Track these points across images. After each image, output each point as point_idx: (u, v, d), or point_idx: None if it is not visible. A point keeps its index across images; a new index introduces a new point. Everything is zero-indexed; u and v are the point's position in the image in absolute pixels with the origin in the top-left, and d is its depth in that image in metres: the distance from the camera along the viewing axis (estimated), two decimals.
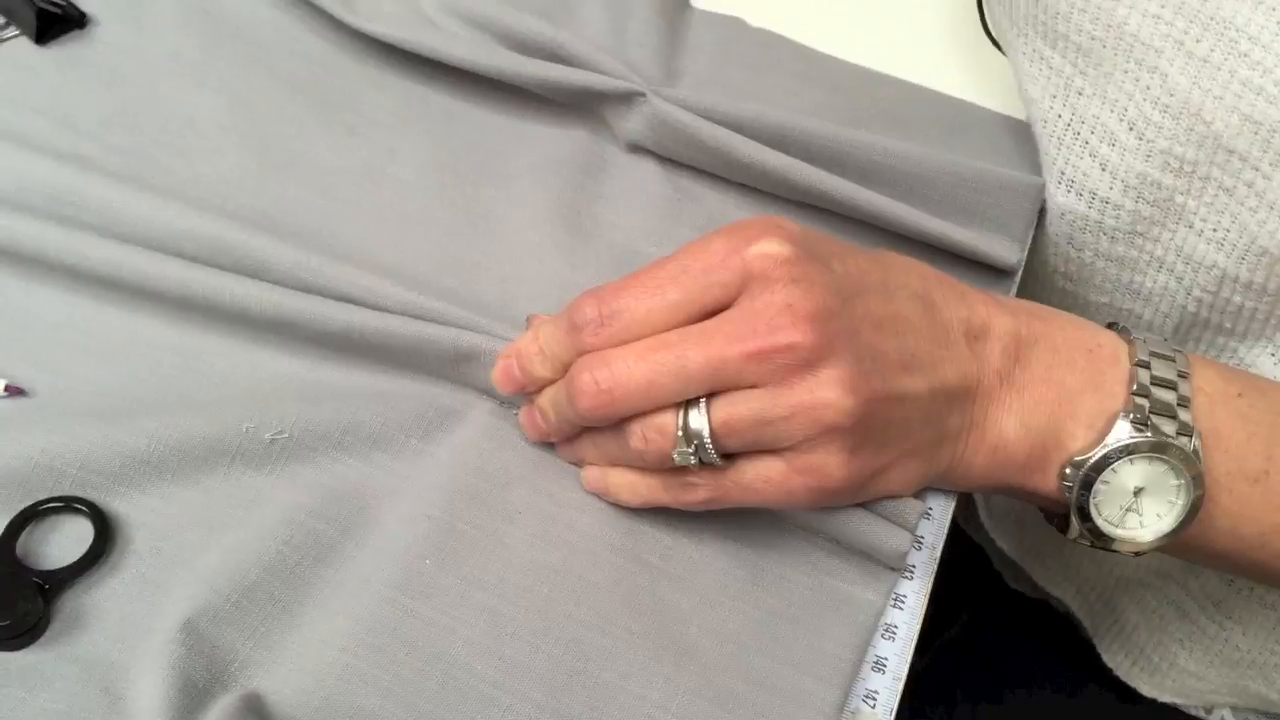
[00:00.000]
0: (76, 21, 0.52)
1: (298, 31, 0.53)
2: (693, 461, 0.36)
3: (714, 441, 0.35)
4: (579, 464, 0.40)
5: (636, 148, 0.49)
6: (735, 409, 0.35)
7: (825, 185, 0.45)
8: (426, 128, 0.50)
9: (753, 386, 0.35)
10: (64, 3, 0.51)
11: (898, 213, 0.45)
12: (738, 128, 0.46)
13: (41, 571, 0.37)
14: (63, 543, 0.38)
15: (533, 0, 0.53)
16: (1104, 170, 0.46)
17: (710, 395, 0.35)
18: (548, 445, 0.41)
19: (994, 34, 0.51)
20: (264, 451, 0.40)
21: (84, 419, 0.40)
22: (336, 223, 0.46)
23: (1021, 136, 0.50)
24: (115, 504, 0.39)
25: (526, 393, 0.40)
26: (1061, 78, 0.46)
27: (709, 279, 0.36)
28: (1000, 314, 0.39)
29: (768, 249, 0.35)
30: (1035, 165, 0.49)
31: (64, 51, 0.51)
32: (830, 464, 0.35)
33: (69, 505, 0.38)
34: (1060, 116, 0.47)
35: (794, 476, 0.36)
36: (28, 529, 0.38)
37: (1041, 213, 0.49)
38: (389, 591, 0.37)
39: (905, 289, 0.38)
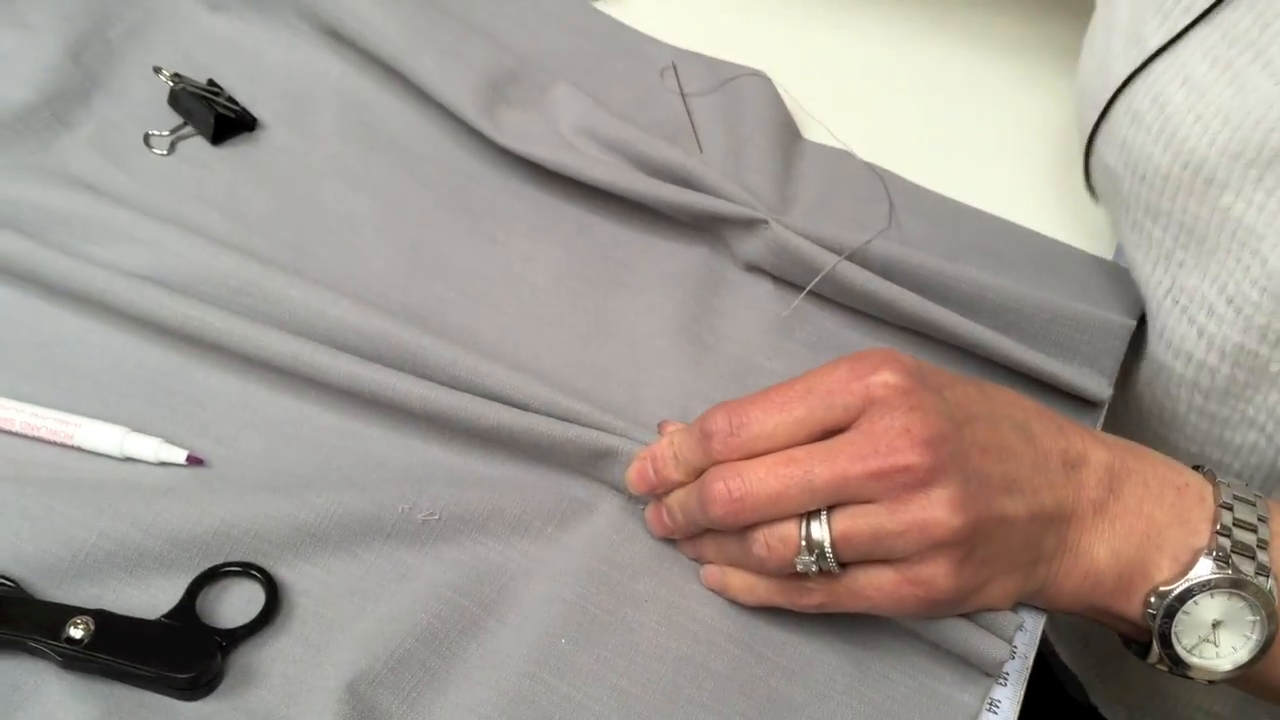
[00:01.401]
0: (248, 125, 0.57)
1: (447, 144, 0.58)
2: (813, 569, 0.39)
3: (834, 551, 0.39)
4: (700, 561, 0.44)
5: (753, 267, 0.54)
6: (855, 522, 0.39)
7: (930, 314, 0.49)
8: (561, 238, 0.55)
9: (869, 501, 0.39)
10: (238, 108, 0.57)
11: (996, 343, 0.49)
12: (849, 256, 0.51)
13: (219, 630, 0.41)
14: (235, 604, 0.42)
15: (660, 125, 0.58)
16: (1200, 337, 0.49)
17: (830, 508, 0.39)
18: (670, 540, 0.45)
19: (1095, 190, 0.55)
20: (416, 531, 0.44)
21: (257, 492, 0.44)
22: (479, 323, 0.51)
23: (1111, 276, 0.54)
24: (282, 571, 0.43)
25: (656, 493, 0.44)
26: (1162, 249, 0.50)
27: (832, 401, 0.40)
28: (1096, 447, 0.43)
29: (888, 378, 0.39)
30: (1124, 304, 0.53)
31: (236, 152, 0.56)
32: (938, 576, 0.39)
33: (245, 570, 0.42)
34: (1160, 283, 0.51)
35: (904, 586, 0.39)
36: (206, 589, 0.42)
37: (1138, 355, 0.52)
38: (528, 666, 0.41)
39: (1008, 419, 0.42)
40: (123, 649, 0.39)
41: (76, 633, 0.39)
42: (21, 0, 0.59)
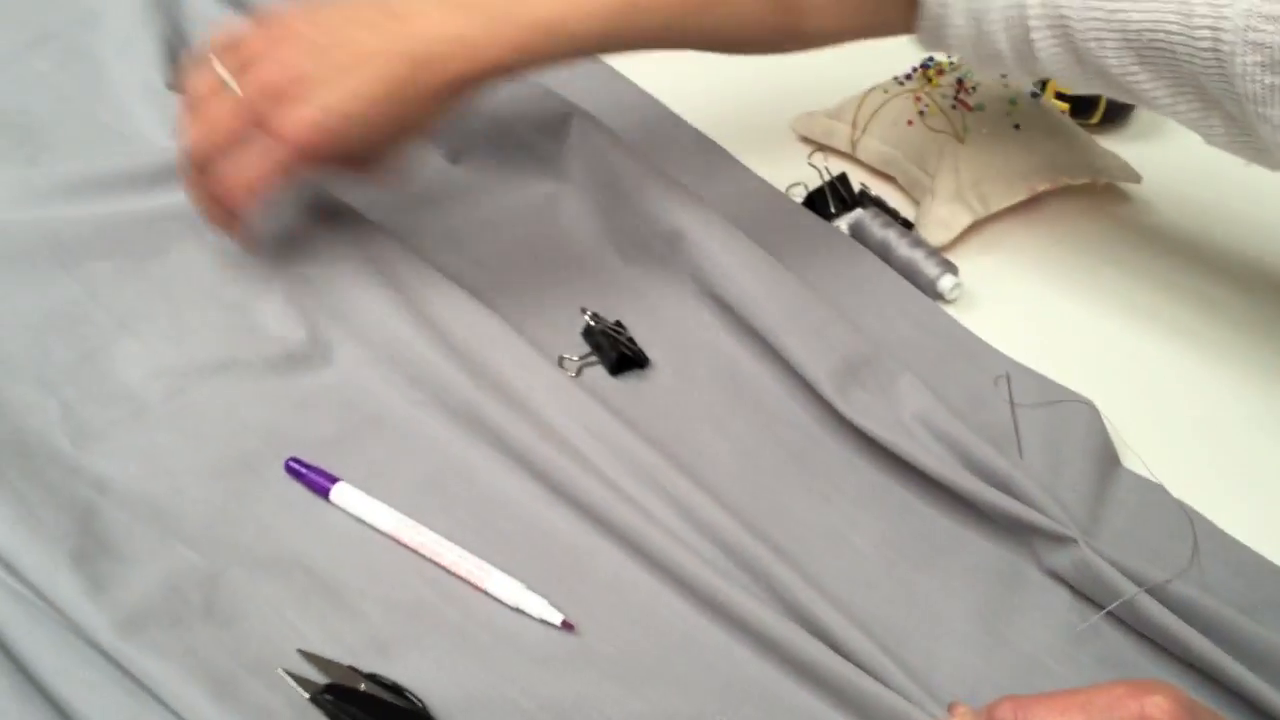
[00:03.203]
0: (641, 363, 0.69)
1: (797, 406, 0.68)
2: None
3: None
4: None
5: (1055, 575, 0.60)
6: None
7: (1218, 661, 0.54)
8: (885, 511, 0.63)
9: None
10: (636, 348, 0.70)
11: (1278, 702, 0.52)
12: (1149, 589, 0.56)
13: None
14: None
15: (987, 428, 0.66)
16: None
17: None
18: None
19: None
20: None
21: (609, 676, 0.54)
22: (809, 575, 0.59)
23: None
24: None
25: None
26: None
27: (1110, 714, 0.45)
28: None
29: (1162, 702, 0.45)
30: None
31: (628, 384, 0.69)
32: None
33: None
34: None
35: None
36: None
37: None
38: None
39: None
40: None
41: None
42: (478, 238, 0.74)
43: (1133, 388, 0.70)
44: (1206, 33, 0.54)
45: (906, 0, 0.67)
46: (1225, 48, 0.54)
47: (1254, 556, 0.61)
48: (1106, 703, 0.46)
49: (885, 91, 0.84)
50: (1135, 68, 0.59)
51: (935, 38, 0.68)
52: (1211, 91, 0.57)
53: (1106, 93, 0.66)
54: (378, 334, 0.66)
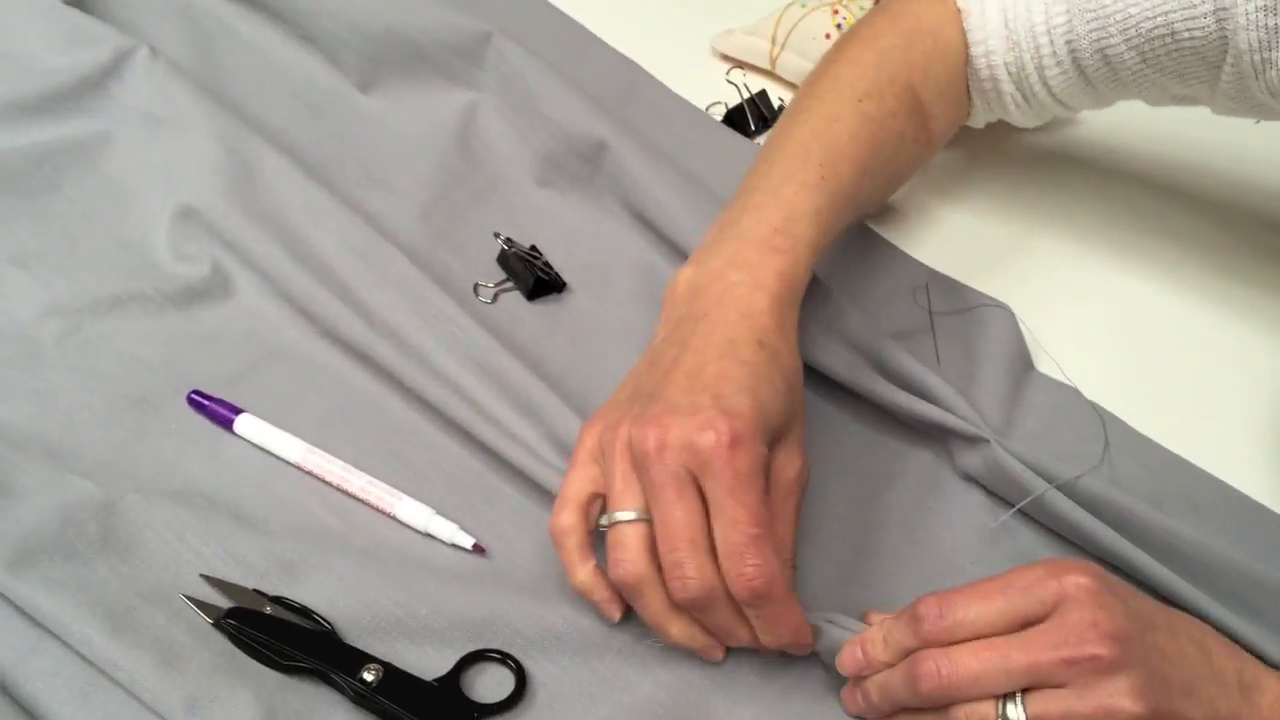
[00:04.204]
0: (558, 287, 0.69)
1: None
2: None
3: None
4: None
5: (970, 478, 0.60)
6: (1048, 706, 0.44)
7: (1125, 553, 0.54)
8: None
9: (1059, 686, 0.44)
10: (553, 272, 0.69)
11: (1184, 592, 0.53)
12: (1059, 485, 0.56)
13: (475, 702, 0.50)
14: (488, 683, 0.51)
15: (904, 336, 0.66)
16: None
17: (1025, 691, 0.44)
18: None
19: None
20: (642, 653, 0.52)
21: (521, 593, 0.54)
22: None
23: None
24: (529, 663, 0.52)
25: (861, 674, 0.50)
26: None
27: (1030, 595, 0.46)
28: (1270, 678, 0.47)
29: (1080, 579, 0.45)
30: None
31: (546, 309, 0.68)
32: None
33: (503, 658, 0.51)
34: None
35: None
36: (469, 666, 0.51)
37: None
38: None
39: (1186, 634, 0.47)
40: (401, 698, 0.48)
41: (369, 676, 0.49)
42: (389, 165, 0.73)
43: (1048, 293, 0.70)
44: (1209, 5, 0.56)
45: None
46: (1225, 4, 0.55)
47: (1163, 452, 0.61)
48: (1025, 584, 0.46)
49: (803, 6, 0.83)
50: (1139, 65, 0.60)
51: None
52: (1207, 62, 0.58)
53: (1109, 102, 0.67)
54: (278, 268, 0.64)
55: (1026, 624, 0.46)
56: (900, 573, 0.56)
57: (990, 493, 0.60)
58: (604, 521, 0.50)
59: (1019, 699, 0.44)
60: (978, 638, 0.46)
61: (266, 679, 0.49)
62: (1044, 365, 0.66)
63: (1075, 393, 0.64)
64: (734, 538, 0.47)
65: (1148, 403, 0.64)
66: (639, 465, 0.48)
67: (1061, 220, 0.75)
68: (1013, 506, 0.58)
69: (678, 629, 0.50)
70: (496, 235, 0.69)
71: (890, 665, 0.48)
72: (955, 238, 0.74)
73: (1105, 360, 0.67)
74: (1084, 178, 0.77)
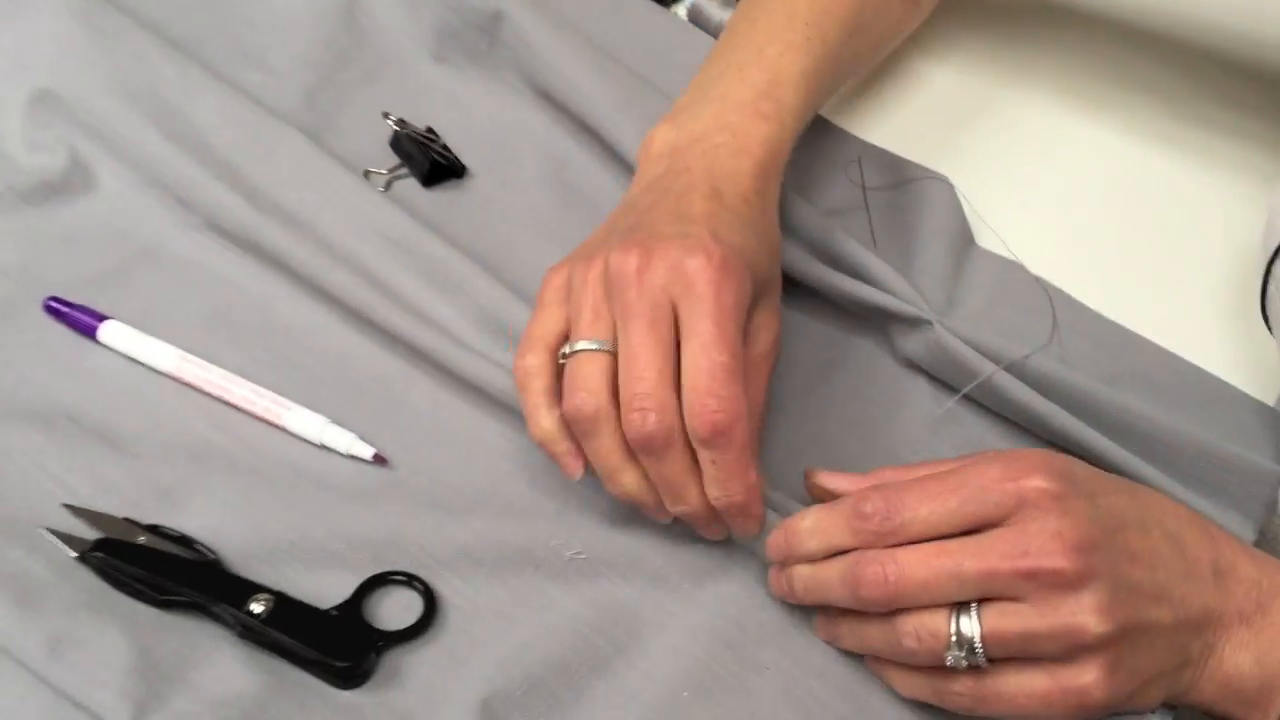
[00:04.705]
0: (457, 173, 0.62)
1: None
2: (962, 664, 0.41)
3: (983, 647, 0.40)
4: (834, 644, 0.46)
5: (912, 364, 0.56)
6: (1004, 620, 0.40)
7: (1079, 435, 0.51)
8: None
9: (1017, 599, 0.40)
10: (451, 156, 0.62)
11: (1143, 473, 0.50)
12: (1007, 366, 0.52)
13: (379, 630, 0.45)
14: (395, 608, 0.46)
15: (838, 214, 0.61)
16: None
17: (980, 603, 0.41)
18: (799, 611, 0.47)
19: (1271, 321, 0.55)
20: (562, 567, 0.48)
21: (429, 507, 0.48)
22: None
23: (1269, 423, 0.54)
24: (440, 584, 0.47)
25: (787, 563, 0.46)
26: None
27: (986, 497, 0.41)
28: (1245, 560, 0.44)
29: (1040, 482, 0.41)
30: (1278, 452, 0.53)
31: (444, 196, 0.62)
32: (1090, 685, 0.40)
33: (409, 581, 0.46)
34: None
35: (1055, 694, 0.41)
36: (372, 591, 0.46)
37: None
38: (650, 713, 0.44)
39: (1159, 525, 0.43)
40: (294, 630, 0.43)
41: (257, 608, 0.44)
42: (267, 42, 0.65)
43: (989, 165, 0.65)
44: None
45: None
46: None
47: (1115, 328, 0.58)
48: (981, 484, 0.42)
49: None
50: None
51: None
52: None
53: None
54: (145, 154, 0.57)
55: (981, 527, 0.41)
56: (841, 468, 0.52)
57: (934, 379, 0.56)
58: (565, 351, 0.45)
59: (974, 611, 0.41)
60: (925, 540, 0.42)
61: (141, 616, 0.44)
62: (986, 240, 0.62)
63: (1020, 267, 0.59)
64: (704, 363, 0.42)
65: (1098, 278, 0.60)
66: (614, 290, 0.44)
67: (1001, 81, 0.70)
68: (958, 392, 0.54)
69: (630, 477, 0.45)
70: (387, 116, 0.63)
71: (815, 558, 0.44)
72: (885, 101, 0.69)
73: (1052, 234, 0.62)
74: (1024, 34, 0.72)
